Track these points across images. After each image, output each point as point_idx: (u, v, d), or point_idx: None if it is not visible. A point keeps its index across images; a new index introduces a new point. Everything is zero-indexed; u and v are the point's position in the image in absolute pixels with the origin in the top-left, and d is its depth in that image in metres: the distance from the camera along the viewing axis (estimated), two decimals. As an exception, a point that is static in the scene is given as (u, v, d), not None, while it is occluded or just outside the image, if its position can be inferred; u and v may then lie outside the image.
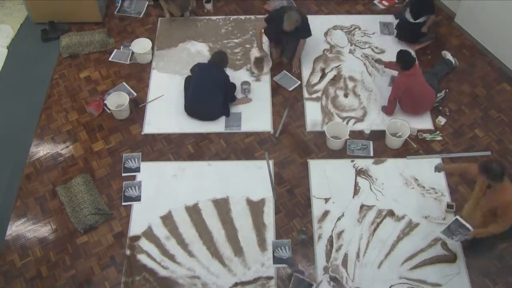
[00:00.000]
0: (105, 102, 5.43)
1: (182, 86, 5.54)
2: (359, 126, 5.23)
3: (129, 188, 4.78)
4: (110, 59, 5.87)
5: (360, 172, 4.89)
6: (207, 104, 5.16)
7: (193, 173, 4.92)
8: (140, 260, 4.40)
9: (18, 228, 4.63)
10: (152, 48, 5.91)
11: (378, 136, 5.14)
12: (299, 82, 5.62)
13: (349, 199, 4.72)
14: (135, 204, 4.72)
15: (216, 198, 4.74)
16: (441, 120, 5.17)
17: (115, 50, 5.95)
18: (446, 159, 4.97)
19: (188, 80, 5.36)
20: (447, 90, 5.42)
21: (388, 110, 5.25)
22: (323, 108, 5.40)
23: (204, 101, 5.14)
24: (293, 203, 4.72)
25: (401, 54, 5.01)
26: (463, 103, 5.40)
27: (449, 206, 4.58)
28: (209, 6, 6.32)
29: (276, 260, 4.36)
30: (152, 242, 4.48)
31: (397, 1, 6.44)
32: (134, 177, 4.89)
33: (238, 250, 4.43)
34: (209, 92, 5.10)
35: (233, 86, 5.37)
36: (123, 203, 4.69)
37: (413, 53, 5.60)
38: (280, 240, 4.47)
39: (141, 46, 5.78)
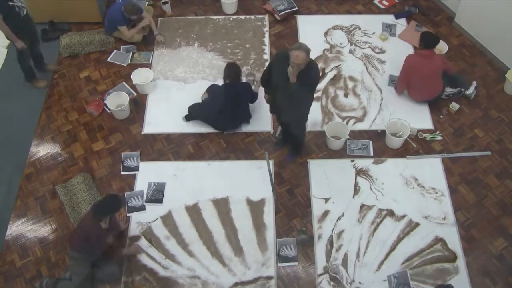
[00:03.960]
0: (105, 102, 5.43)
1: (182, 86, 5.55)
2: (359, 126, 5.23)
3: (132, 199, 4.75)
4: (108, 59, 5.87)
5: (360, 172, 4.89)
6: (237, 119, 5.18)
7: (193, 173, 4.92)
8: (140, 260, 4.40)
9: (18, 228, 4.63)
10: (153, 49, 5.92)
11: (378, 136, 5.14)
12: (299, 82, 5.61)
13: (349, 199, 4.72)
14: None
15: (216, 198, 4.74)
16: (455, 106, 5.24)
17: (114, 51, 5.94)
18: (446, 158, 4.98)
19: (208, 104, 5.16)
20: (462, 89, 5.35)
21: (397, 88, 5.37)
22: (323, 108, 5.40)
23: (235, 117, 5.13)
24: (293, 203, 4.72)
25: (426, 33, 5.08)
26: (463, 103, 5.40)
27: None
28: (166, 8, 6.31)
29: (282, 259, 4.36)
30: (152, 242, 4.49)
31: (397, 1, 6.45)
32: (133, 176, 4.89)
33: (238, 250, 4.43)
34: (238, 106, 5.04)
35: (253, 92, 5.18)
36: (128, 214, 4.67)
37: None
38: (285, 239, 4.46)
39: (142, 76, 5.53)
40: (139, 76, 5.52)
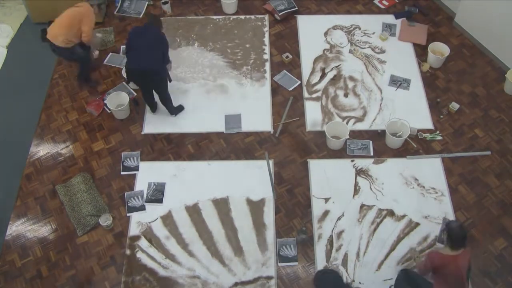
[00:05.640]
0: (105, 102, 5.43)
1: (182, 87, 5.55)
2: (359, 126, 5.24)
3: (132, 199, 4.75)
4: (104, 62, 5.86)
5: (360, 172, 4.89)
6: (148, 60, 4.72)
7: (193, 173, 4.92)
8: (140, 259, 4.40)
9: (18, 228, 4.63)
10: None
11: (378, 136, 5.14)
12: (299, 82, 5.62)
13: (349, 199, 4.72)
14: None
15: (216, 198, 4.74)
16: (455, 106, 5.24)
17: (110, 54, 5.92)
18: (446, 158, 4.98)
19: (127, 46, 4.88)
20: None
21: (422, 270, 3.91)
22: (323, 107, 5.40)
23: (146, 58, 4.71)
24: (293, 203, 4.72)
25: (454, 229, 3.64)
26: (463, 103, 5.41)
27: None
28: (166, 8, 6.31)
29: (282, 259, 4.37)
30: (152, 242, 4.49)
31: (397, 1, 6.45)
32: (133, 176, 4.89)
33: (238, 250, 4.44)
34: (148, 48, 4.73)
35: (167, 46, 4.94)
36: (128, 214, 4.67)
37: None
38: (285, 239, 4.47)
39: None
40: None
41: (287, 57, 5.82)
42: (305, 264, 4.36)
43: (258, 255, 4.41)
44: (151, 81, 4.93)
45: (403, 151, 5.05)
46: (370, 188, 4.79)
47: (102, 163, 5.03)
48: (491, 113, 5.34)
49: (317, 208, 4.67)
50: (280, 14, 6.22)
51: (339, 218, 4.60)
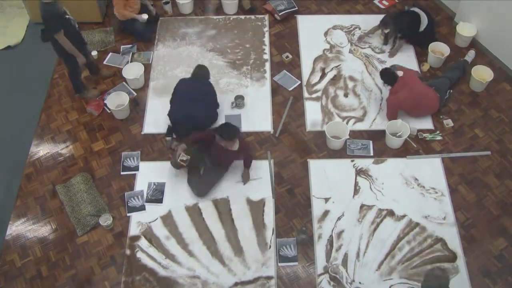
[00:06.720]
0: (105, 102, 5.43)
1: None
2: (359, 126, 5.24)
3: (132, 199, 4.75)
4: (104, 62, 5.86)
5: (360, 172, 4.89)
6: (196, 117, 4.97)
7: (193, 173, 4.92)
8: (140, 259, 4.40)
9: (18, 228, 4.63)
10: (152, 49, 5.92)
11: (378, 136, 5.14)
12: (299, 82, 5.62)
13: (349, 199, 4.72)
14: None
15: (216, 198, 4.74)
16: (449, 123, 5.22)
17: (110, 54, 5.92)
18: (446, 158, 4.98)
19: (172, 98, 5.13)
20: (451, 91, 5.37)
21: (389, 118, 5.20)
22: (323, 107, 5.40)
23: (192, 115, 4.94)
24: (293, 203, 4.72)
25: (383, 73, 5.19)
26: (463, 103, 5.40)
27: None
28: (167, 8, 6.33)
29: (282, 259, 4.37)
30: (152, 242, 4.49)
31: (397, 1, 6.45)
32: (133, 176, 4.89)
33: (238, 250, 4.43)
34: (196, 106, 4.94)
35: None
36: (128, 214, 4.67)
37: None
38: (285, 239, 4.47)
39: (133, 72, 5.57)
40: (130, 72, 5.55)
41: (287, 57, 5.82)
42: (305, 264, 4.36)
43: (258, 255, 4.41)
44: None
45: (403, 151, 5.05)
46: (370, 188, 4.79)
47: (102, 163, 5.03)
48: (491, 113, 5.34)
49: (317, 208, 4.67)
50: (280, 14, 6.22)
51: (339, 218, 4.60)
